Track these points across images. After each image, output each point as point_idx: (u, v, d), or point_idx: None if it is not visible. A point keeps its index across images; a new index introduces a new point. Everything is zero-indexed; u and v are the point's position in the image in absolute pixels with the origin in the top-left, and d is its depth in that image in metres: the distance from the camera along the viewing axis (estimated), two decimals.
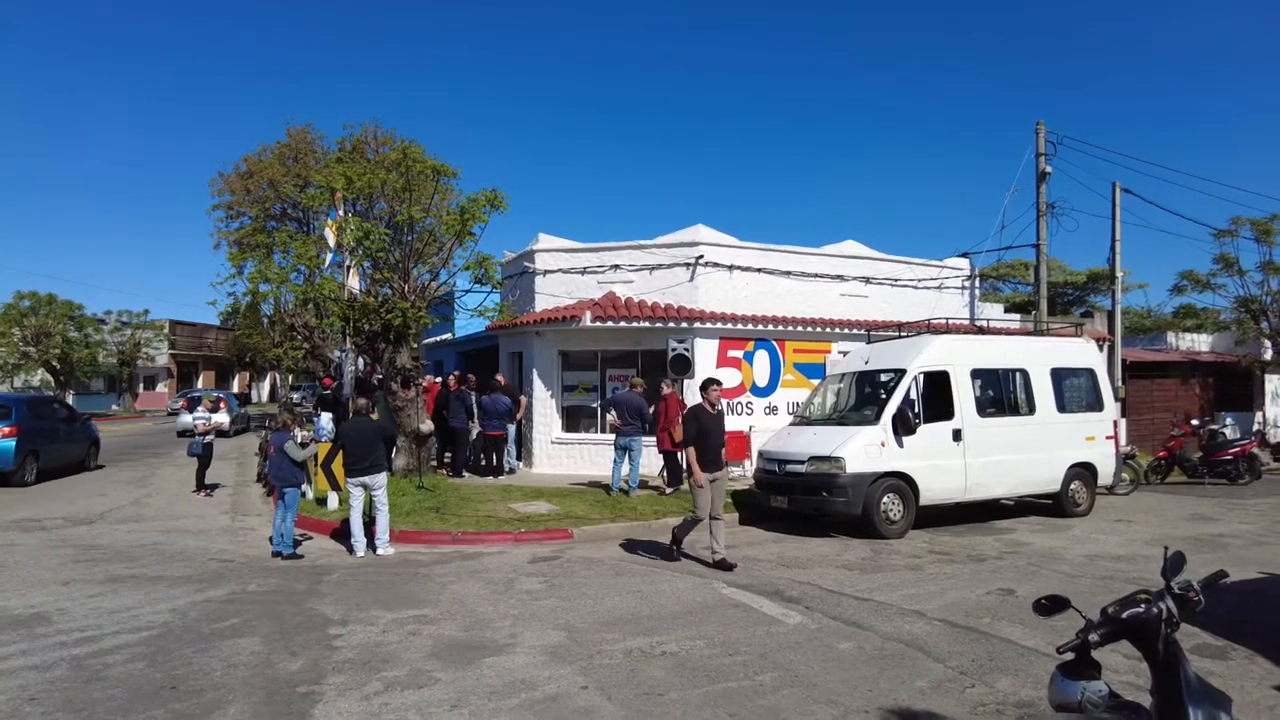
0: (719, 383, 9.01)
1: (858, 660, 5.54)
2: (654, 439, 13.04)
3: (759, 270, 15.49)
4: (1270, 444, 19.60)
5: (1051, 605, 3.35)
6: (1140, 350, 23.30)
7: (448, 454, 15.33)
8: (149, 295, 73.09)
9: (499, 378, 14.99)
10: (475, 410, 14.52)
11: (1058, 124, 37.18)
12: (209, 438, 14.15)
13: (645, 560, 8.89)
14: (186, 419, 25.20)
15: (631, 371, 15.05)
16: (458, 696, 4.88)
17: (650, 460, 13.77)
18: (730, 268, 15.16)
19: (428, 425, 13.47)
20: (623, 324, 14.27)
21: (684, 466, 8.98)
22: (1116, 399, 17.90)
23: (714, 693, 4.97)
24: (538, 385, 15.44)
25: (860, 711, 4.68)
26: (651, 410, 12.88)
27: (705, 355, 14.60)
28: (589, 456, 15.00)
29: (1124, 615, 3.11)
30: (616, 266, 15.51)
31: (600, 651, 5.72)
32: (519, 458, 15.50)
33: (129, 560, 8.83)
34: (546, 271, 15.90)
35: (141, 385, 51.10)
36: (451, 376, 16.04)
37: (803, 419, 11.87)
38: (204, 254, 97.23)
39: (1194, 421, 17.56)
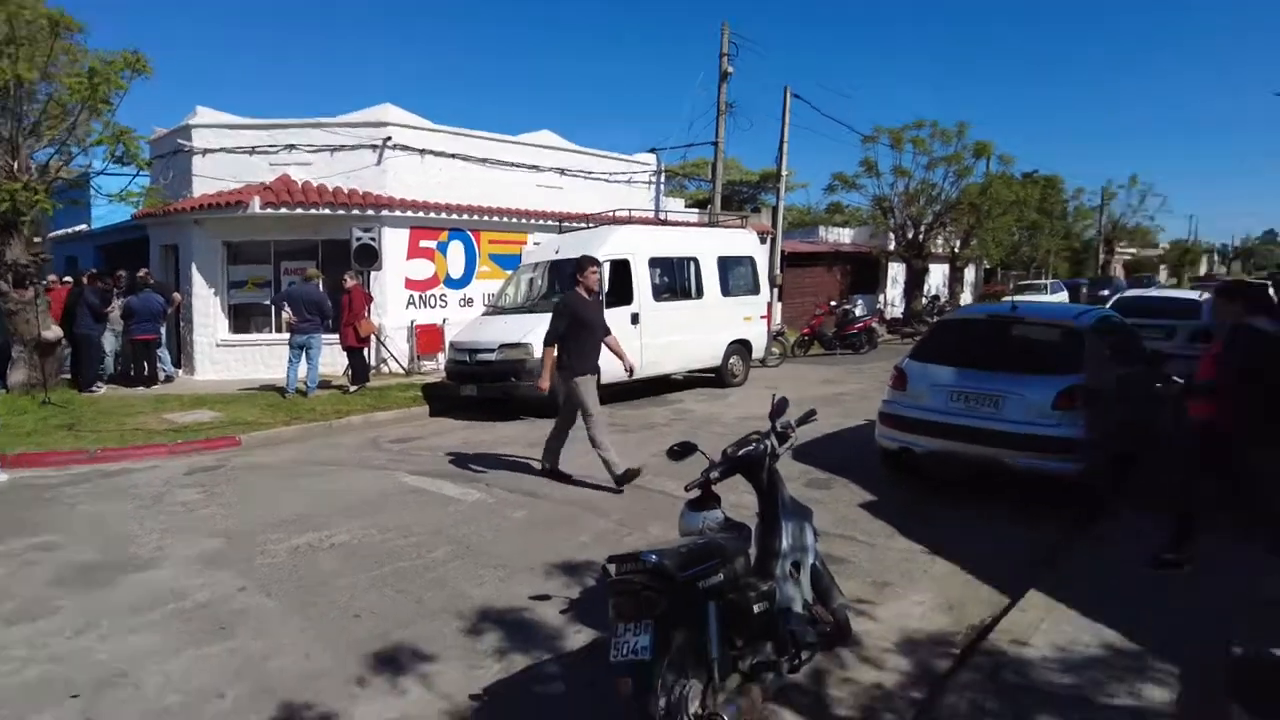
0: (597, 263, 7.62)
1: (530, 526, 5.89)
2: (336, 336, 12.31)
3: (453, 156, 14.92)
4: (886, 319, 23.65)
5: (682, 450, 3.79)
6: (797, 242, 26.50)
7: None
8: None
9: (143, 273, 13.05)
10: (113, 311, 12.56)
11: (743, 25, 39.33)
12: None
13: (323, 460, 8.50)
14: None
15: (311, 264, 13.94)
16: (85, 622, 4.36)
17: (333, 359, 13.06)
18: (422, 152, 14.41)
19: (53, 331, 11.38)
20: (299, 211, 13.03)
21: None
22: (775, 285, 20.37)
23: (384, 574, 5.00)
24: (198, 281, 13.66)
25: (526, 570, 5.01)
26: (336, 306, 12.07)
27: (394, 245, 13.94)
28: (262, 359, 13.73)
29: (739, 453, 3.62)
30: (292, 147, 13.98)
31: (263, 552, 5.44)
32: (177, 364, 13.82)
33: None
34: (206, 151, 13.86)
35: None
36: (86, 275, 13.67)
37: (495, 309, 11.94)
38: None
39: (832, 303, 20.59)
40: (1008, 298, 20.31)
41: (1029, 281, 33.58)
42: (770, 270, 20.36)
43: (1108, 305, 11.52)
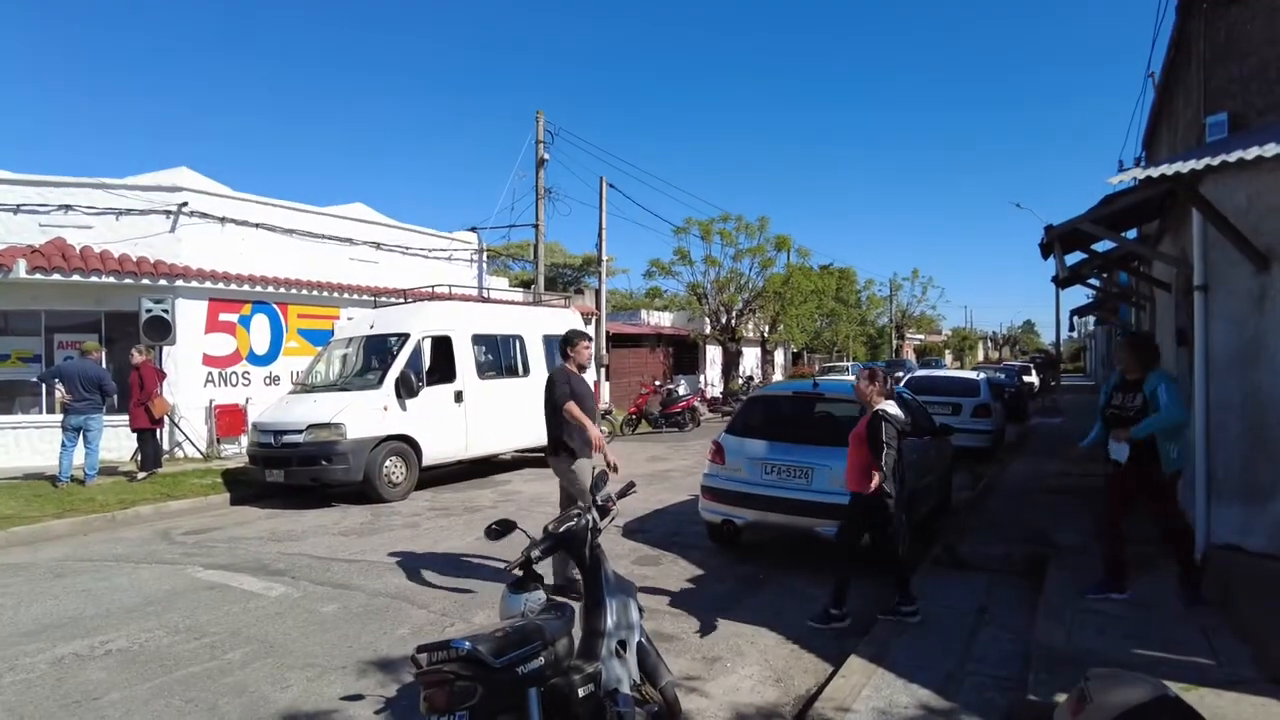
0: (588, 336, 6.79)
1: (341, 620, 5.42)
2: (121, 417, 11.03)
3: (258, 225, 14.08)
4: (707, 399, 24.64)
5: (501, 529, 3.66)
6: (621, 324, 27.24)
7: None
8: None
9: None
10: None
11: (558, 117, 40.84)
12: None
13: (102, 556, 7.46)
14: None
15: (91, 337, 12.50)
16: None
17: (118, 443, 11.66)
18: (223, 220, 13.49)
19: None
20: (76, 278, 11.70)
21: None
22: (601, 365, 20.73)
23: (169, 682, 4.39)
24: None
25: (337, 669, 4.58)
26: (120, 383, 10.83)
27: (191, 318, 12.81)
28: (29, 443, 12.05)
29: (561, 530, 3.56)
30: (69, 207, 12.63)
31: (14, 667, 4.62)
32: None
33: None
34: None
35: None
36: None
37: (304, 386, 11.20)
38: None
39: (656, 382, 21.23)
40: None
41: (832, 364, 36.40)
42: (596, 350, 20.72)
43: (901, 384, 12.67)
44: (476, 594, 5.99)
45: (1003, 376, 20.02)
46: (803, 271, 28.74)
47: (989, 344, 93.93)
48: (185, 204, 12.85)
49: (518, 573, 3.40)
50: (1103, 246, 9.51)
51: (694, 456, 13.89)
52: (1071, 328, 27.43)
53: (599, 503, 3.70)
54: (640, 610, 3.74)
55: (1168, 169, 4.95)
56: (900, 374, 29.04)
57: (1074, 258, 11.20)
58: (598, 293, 22.09)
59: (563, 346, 6.55)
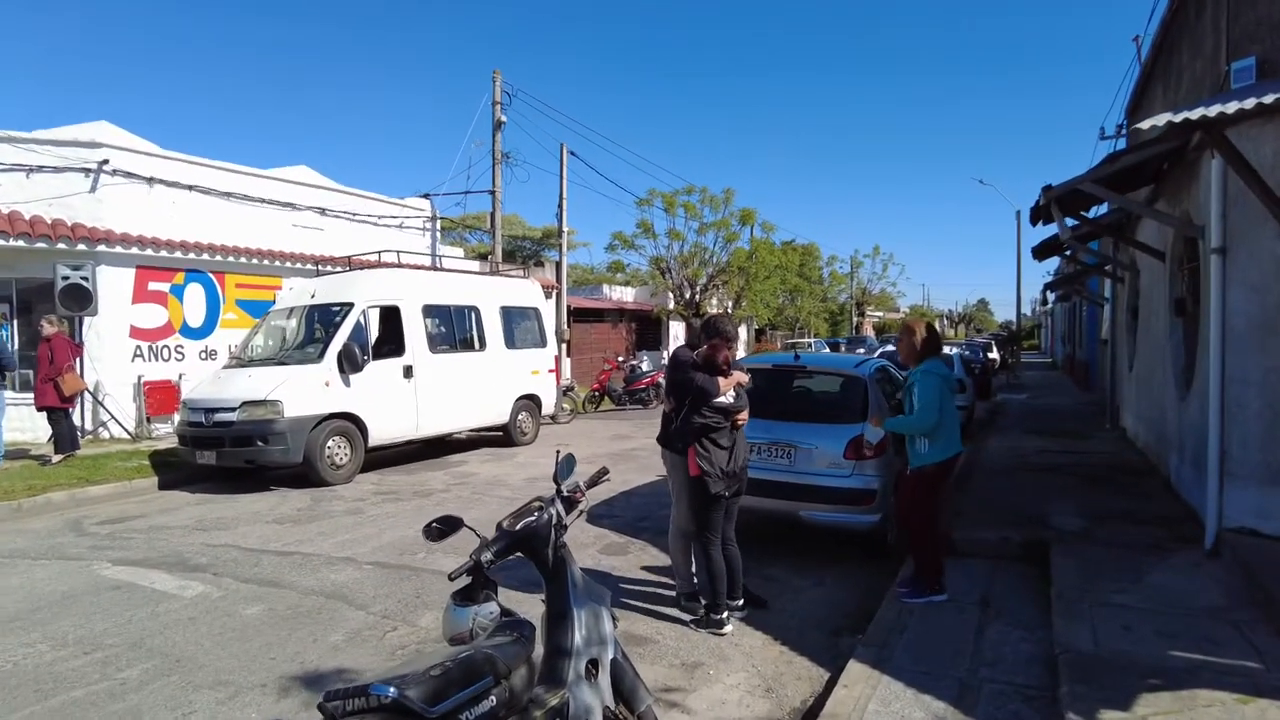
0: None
1: (265, 625, 4.71)
2: (28, 394, 10.05)
3: (191, 188, 13.00)
4: None
5: (443, 528, 2.99)
6: (582, 299, 26.49)
7: None
8: None
9: None
10: None
11: (516, 77, 39.37)
12: None
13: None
14: None
15: (2, 306, 11.43)
16: None
17: (34, 423, 10.68)
18: (150, 180, 12.38)
19: None
20: None
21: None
22: (562, 340, 19.99)
23: (45, 710, 3.66)
24: None
25: (255, 687, 3.89)
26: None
27: (116, 287, 11.76)
28: None
29: (518, 527, 2.91)
30: None
31: None
32: None
33: None
34: None
35: None
36: None
37: (239, 360, 10.30)
38: None
39: (620, 358, 20.58)
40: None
41: (794, 340, 36.10)
42: (557, 325, 19.98)
43: (876, 355, 12.22)
44: (424, 591, 5.32)
45: (968, 353, 19.80)
46: (767, 247, 28.23)
47: (945, 321, 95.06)
48: (106, 162, 11.73)
49: (465, 580, 2.76)
50: (1092, 213, 9.09)
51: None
52: (1045, 302, 27.37)
53: (565, 493, 3.06)
54: (614, 620, 3.12)
55: (1194, 113, 4.41)
56: (861, 350, 28.99)
57: (1052, 232, 10.84)
58: (558, 265, 21.28)
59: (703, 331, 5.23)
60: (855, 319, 50.72)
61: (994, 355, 29.57)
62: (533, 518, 2.92)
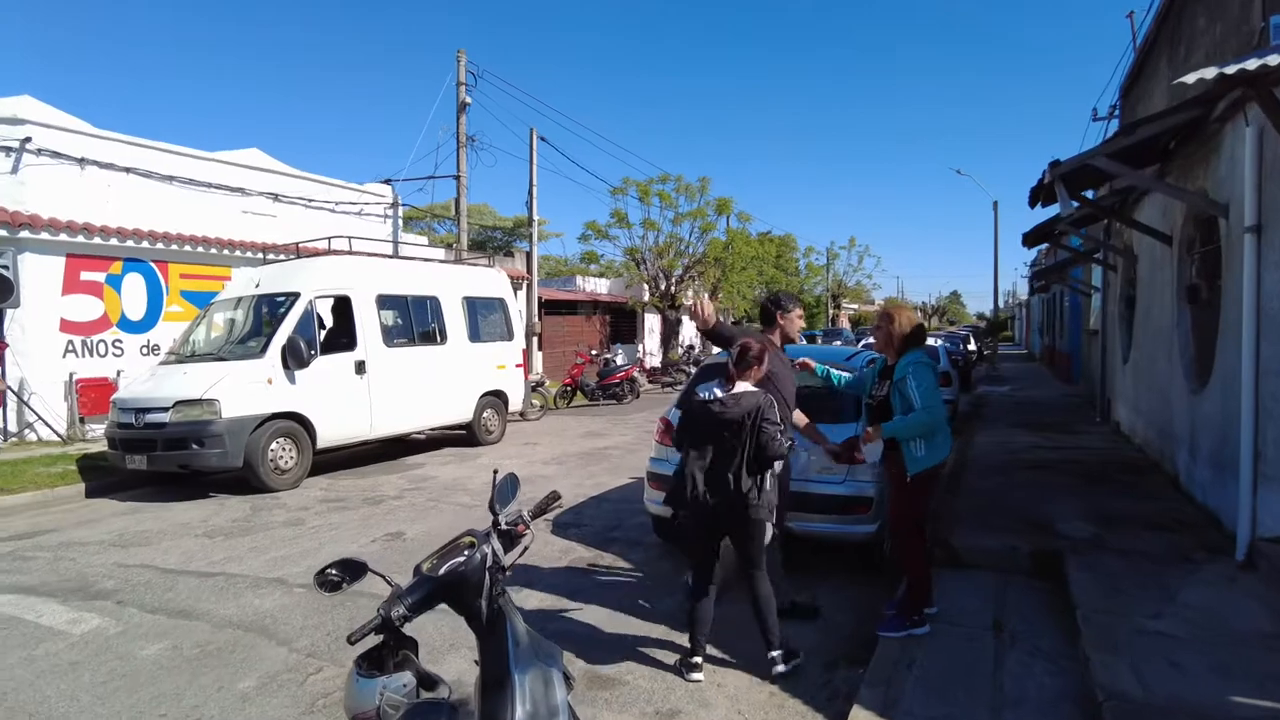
0: (800, 302, 4.99)
1: (165, 669, 3.99)
2: None
3: (129, 170, 12.09)
4: (646, 369, 23.45)
5: (342, 574, 2.33)
6: (554, 290, 25.71)
7: None
8: None
9: None
10: None
11: (483, 58, 38.01)
12: None
13: None
14: None
15: None
16: None
17: None
18: (82, 161, 11.46)
19: None
20: None
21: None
22: (532, 334, 19.25)
23: None
24: None
25: None
26: None
27: (43, 276, 10.85)
28: None
29: (441, 571, 2.24)
30: None
31: None
32: None
33: None
34: None
35: None
36: None
37: (177, 356, 9.47)
38: None
39: (593, 351, 19.89)
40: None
41: None
42: (528, 317, 19.25)
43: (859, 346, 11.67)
44: (361, 620, 4.61)
45: (948, 344, 19.37)
46: (743, 237, 27.65)
47: (919, 314, 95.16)
48: (29, 139, 10.78)
49: (373, 639, 2.12)
50: (1088, 197, 8.57)
51: (635, 431, 12.68)
52: (1037, 290, 27.01)
53: (504, 525, 2.39)
54: (568, 681, 2.46)
55: (1248, 64, 3.82)
56: (839, 343, 28.54)
57: (1046, 217, 10.31)
58: (529, 255, 20.50)
59: (768, 310, 4.79)
60: (831, 311, 50.36)
61: (971, 347, 29.29)
62: (461, 559, 2.24)
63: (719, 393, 3.89)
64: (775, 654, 3.86)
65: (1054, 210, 9.92)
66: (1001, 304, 50.36)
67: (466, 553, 2.26)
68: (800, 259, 41.52)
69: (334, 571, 2.26)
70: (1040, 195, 7.09)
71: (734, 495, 3.76)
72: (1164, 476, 7.48)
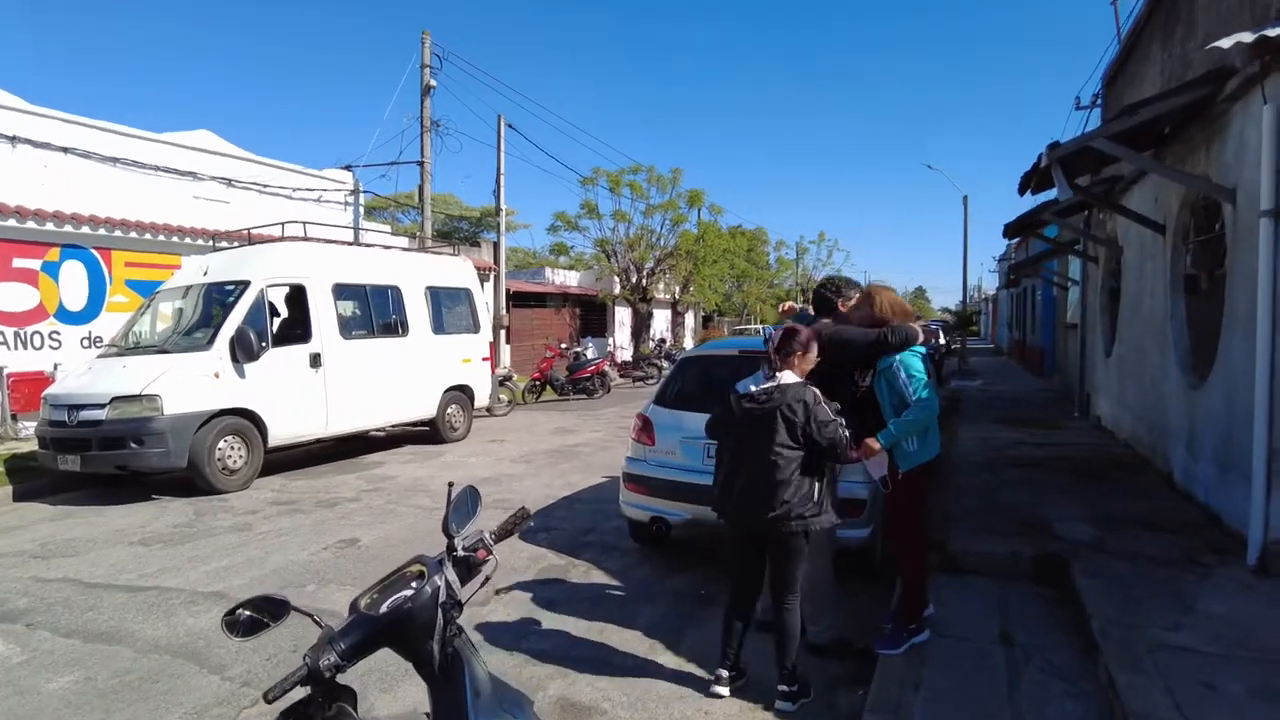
0: (857, 285, 4.39)
1: (73, 706, 3.49)
2: None
3: (66, 150, 11.36)
4: (617, 363, 23.01)
5: (259, 616, 1.89)
6: (523, 283, 25.14)
7: None
8: None
9: None
10: None
11: (447, 39, 36.60)
12: None
13: None
14: None
15: None
16: None
17: None
18: (13, 139, 10.72)
19: None
20: None
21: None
22: (500, 326, 18.72)
23: None
24: None
25: None
26: None
27: None
28: None
29: (383, 609, 1.80)
30: None
31: None
32: None
33: None
34: None
35: None
36: None
37: (117, 349, 8.83)
38: None
39: (562, 345, 19.41)
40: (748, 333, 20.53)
41: (742, 327, 35.35)
42: (495, 309, 18.70)
43: None
44: (306, 642, 4.13)
45: None
46: (715, 230, 27.30)
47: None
48: None
49: (301, 692, 1.68)
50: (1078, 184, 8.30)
51: (607, 427, 12.25)
52: (1008, 284, 26.95)
53: (460, 551, 1.95)
54: None
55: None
56: None
57: (1033, 206, 10.06)
58: (496, 245, 19.91)
59: (825, 298, 4.32)
60: (800, 305, 50.32)
61: (942, 340, 29.26)
62: (407, 593, 1.81)
63: (754, 387, 3.50)
64: (785, 688, 3.46)
65: (1037, 200, 9.69)
66: (967, 299, 50.76)
67: (414, 585, 1.83)
68: (771, 252, 41.33)
69: (247, 612, 1.81)
70: (1033, 181, 6.79)
71: (770, 506, 3.37)
72: (1156, 474, 7.24)
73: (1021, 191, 7.31)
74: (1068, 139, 5.94)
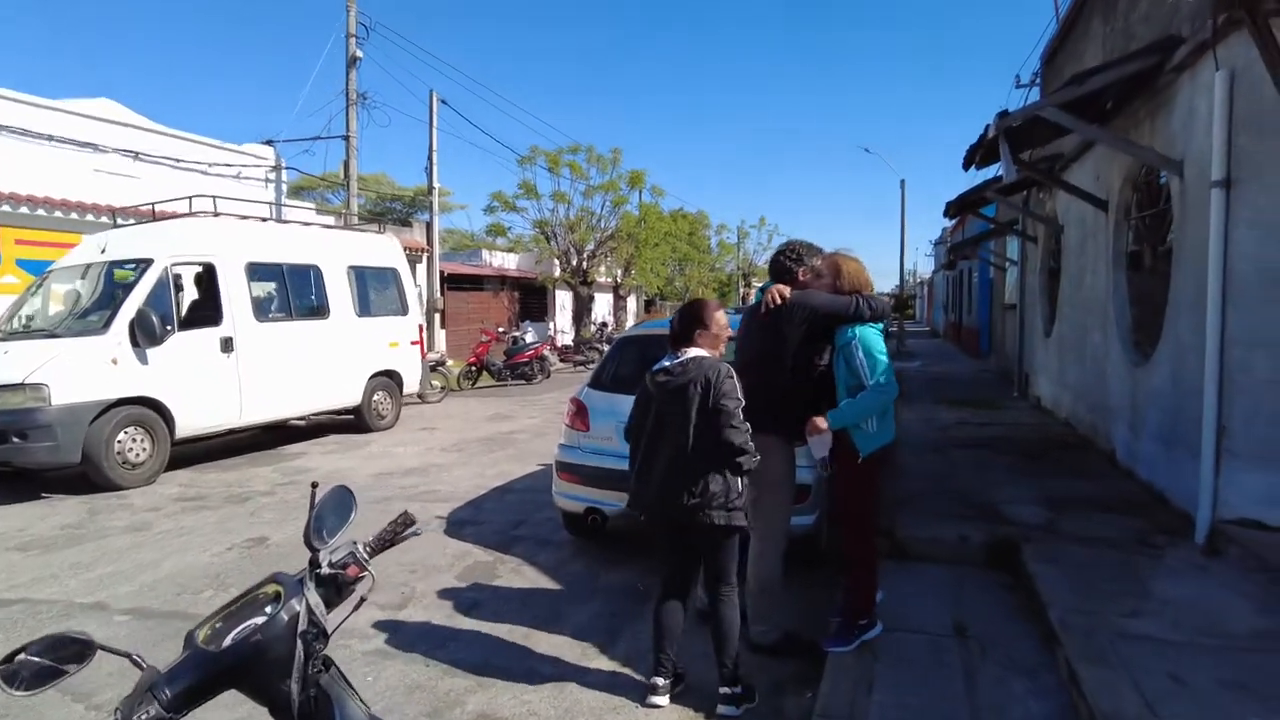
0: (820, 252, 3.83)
1: None
2: None
3: None
4: (557, 347, 22.54)
5: (52, 660, 1.47)
6: (459, 265, 24.41)
7: None
8: None
9: None
10: None
11: (374, 8, 35.11)
12: None
13: None
14: None
15: None
16: None
17: None
18: None
19: None
20: None
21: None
22: (434, 310, 18.08)
23: None
24: None
25: None
26: None
27: None
28: None
29: (225, 643, 1.40)
30: None
31: None
32: None
33: None
34: None
35: None
36: None
37: (1, 333, 8.05)
38: None
39: (500, 329, 18.85)
40: None
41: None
42: (429, 292, 18.04)
43: None
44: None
45: None
46: (656, 213, 26.98)
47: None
48: None
49: None
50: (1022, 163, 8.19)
51: (544, 414, 11.85)
52: (951, 265, 27.24)
53: (325, 569, 1.56)
54: None
55: None
56: None
57: (975, 184, 9.98)
58: (429, 225, 19.19)
59: (783, 265, 3.79)
60: (742, 289, 50.47)
61: None
62: (258, 620, 1.42)
63: (668, 363, 3.18)
64: (726, 690, 3.16)
65: (980, 178, 9.60)
66: (904, 282, 51.66)
67: (267, 611, 1.44)
68: (713, 236, 41.24)
69: (32, 657, 1.40)
70: (978, 154, 6.61)
71: (688, 494, 3.05)
72: (1098, 452, 7.20)
73: (966, 166, 7.15)
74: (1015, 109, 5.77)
